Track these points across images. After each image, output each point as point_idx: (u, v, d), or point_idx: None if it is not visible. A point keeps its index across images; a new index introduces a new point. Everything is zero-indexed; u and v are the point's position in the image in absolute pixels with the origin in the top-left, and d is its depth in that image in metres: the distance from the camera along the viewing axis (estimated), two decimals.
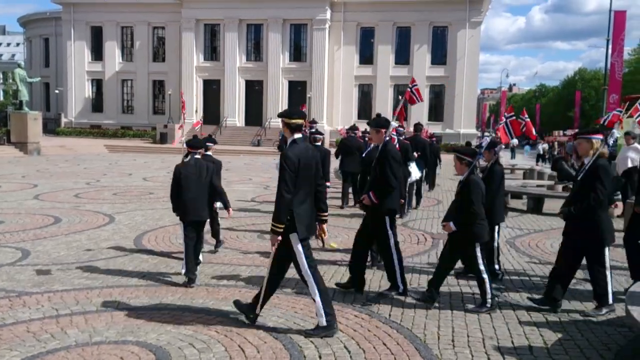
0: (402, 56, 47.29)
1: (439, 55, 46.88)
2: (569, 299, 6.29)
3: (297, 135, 5.02)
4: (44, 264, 7.34)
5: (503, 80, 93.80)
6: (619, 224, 11.36)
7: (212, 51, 49.03)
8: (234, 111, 47.33)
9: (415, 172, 11.69)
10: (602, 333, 5.28)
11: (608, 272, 5.69)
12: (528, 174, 22.01)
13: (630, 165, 12.55)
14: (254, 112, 47.60)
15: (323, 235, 5.36)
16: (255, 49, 48.52)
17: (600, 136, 5.76)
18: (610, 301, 5.74)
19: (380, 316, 5.60)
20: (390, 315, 5.64)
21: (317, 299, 5.00)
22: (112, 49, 50.77)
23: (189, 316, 5.47)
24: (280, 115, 5.11)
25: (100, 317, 5.39)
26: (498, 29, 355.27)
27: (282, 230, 4.89)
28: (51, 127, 49.79)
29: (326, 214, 5.33)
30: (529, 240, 9.70)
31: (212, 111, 47.95)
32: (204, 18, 47.58)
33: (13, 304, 5.74)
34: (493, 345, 4.98)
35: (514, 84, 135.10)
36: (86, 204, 12.77)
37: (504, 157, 37.75)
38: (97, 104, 52.09)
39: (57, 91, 53.95)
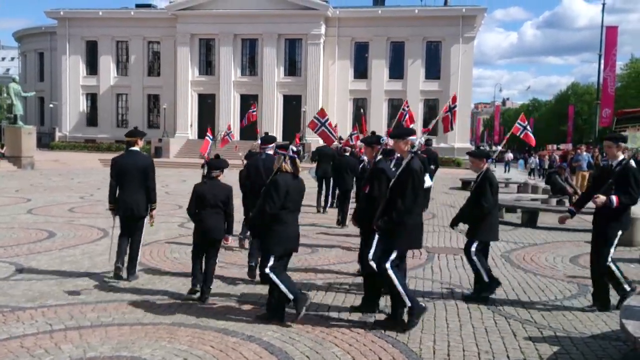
0: (396, 71, 47.58)
1: (433, 70, 47.19)
2: (563, 311, 6.30)
3: (132, 149, 7.21)
4: (38, 278, 7.31)
5: (496, 94, 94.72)
6: None
7: (207, 65, 49.20)
8: (229, 124, 47.34)
9: (428, 181, 13.12)
10: (597, 347, 5.29)
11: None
12: (522, 187, 22.11)
13: None
14: (249, 126, 47.41)
15: (151, 218, 7.32)
16: (250, 64, 48.72)
17: (284, 152, 5.84)
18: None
19: (375, 330, 5.59)
20: (385, 329, 5.63)
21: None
22: (107, 64, 50.85)
23: (184, 331, 5.45)
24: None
25: (95, 332, 5.37)
26: (491, 44, 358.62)
27: (112, 209, 7.33)
28: (45, 141, 49.68)
29: (154, 204, 7.25)
30: (523, 254, 9.72)
31: (207, 125, 47.64)
32: (199, 33, 47.78)
33: (7, 319, 5.70)
34: (489, 359, 4.98)
35: (508, 99, 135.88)
36: (80, 218, 12.72)
37: (498, 171, 37.93)
38: (91, 118, 52.07)
39: (51, 105, 53.93)
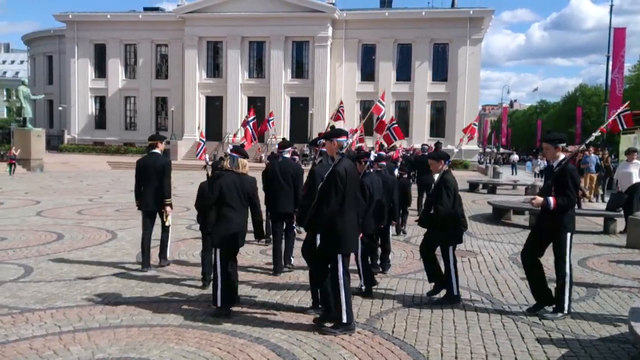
0: (404, 73, 47.50)
1: (440, 72, 47.08)
2: (571, 314, 6.27)
3: (153, 151, 8.13)
4: (46, 280, 7.35)
5: (504, 96, 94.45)
6: (621, 240, 11.36)
7: (215, 68, 49.31)
8: (237, 127, 47.40)
9: None
10: (605, 349, 5.26)
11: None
12: (530, 189, 22.03)
13: (635, 181, 12.55)
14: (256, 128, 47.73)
15: (165, 213, 8.02)
16: (258, 66, 48.79)
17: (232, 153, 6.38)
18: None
19: (383, 332, 5.59)
20: (393, 331, 5.63)
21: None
22: (115, 66, 51.06)
23: (192, 333, 5.47)
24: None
25: (103, 334, 5.39)
26: (498, 45, 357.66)
27: (139, 204, 8.10)
28: (54, 144, 49.96)
29: (167, 199, 8.00)
30: None
31: (214, 127, 48.08)
32: (207, 35, 47.90)
33: (16, 321, 5.74)
34: None
35: (515, 100, 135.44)
36: (89, 221, 12.79)
37: (505, 173, 37.75)
38: (100, 121, 52.28)
39: (60, 108, 54.22)
